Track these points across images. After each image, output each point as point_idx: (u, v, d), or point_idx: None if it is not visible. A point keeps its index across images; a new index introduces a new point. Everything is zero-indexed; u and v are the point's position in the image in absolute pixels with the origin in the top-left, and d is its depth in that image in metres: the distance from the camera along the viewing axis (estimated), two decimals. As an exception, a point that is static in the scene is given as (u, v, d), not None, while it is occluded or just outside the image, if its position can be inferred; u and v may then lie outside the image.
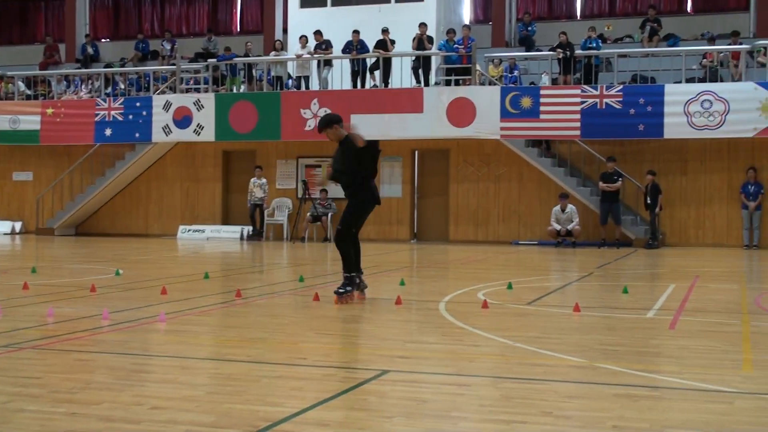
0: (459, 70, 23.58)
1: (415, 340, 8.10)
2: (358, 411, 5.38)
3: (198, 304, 10.42)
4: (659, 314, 9.85)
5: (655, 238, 21.78)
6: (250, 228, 24.60)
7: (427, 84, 23.78)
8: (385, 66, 24.02)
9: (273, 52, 25.57)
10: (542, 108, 22.37)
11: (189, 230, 25.46)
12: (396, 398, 5.72)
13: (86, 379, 6.19)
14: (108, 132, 25.42)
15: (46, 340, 7.75)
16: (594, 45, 23.57)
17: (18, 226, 27.15)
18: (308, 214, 23.99)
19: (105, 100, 25.64)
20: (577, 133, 22.38)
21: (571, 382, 6.22)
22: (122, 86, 27.04)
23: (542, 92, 22.64)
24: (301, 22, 26.61)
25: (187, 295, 11.19)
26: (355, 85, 24.30)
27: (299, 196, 24.72)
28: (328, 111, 23.37)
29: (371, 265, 16.67)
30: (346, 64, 24.58)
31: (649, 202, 21.96)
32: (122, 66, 29.07)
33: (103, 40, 33.06)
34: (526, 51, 26.14)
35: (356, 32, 24.14)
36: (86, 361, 6.98)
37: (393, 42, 24.05)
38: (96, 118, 25.53)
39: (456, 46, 23.57)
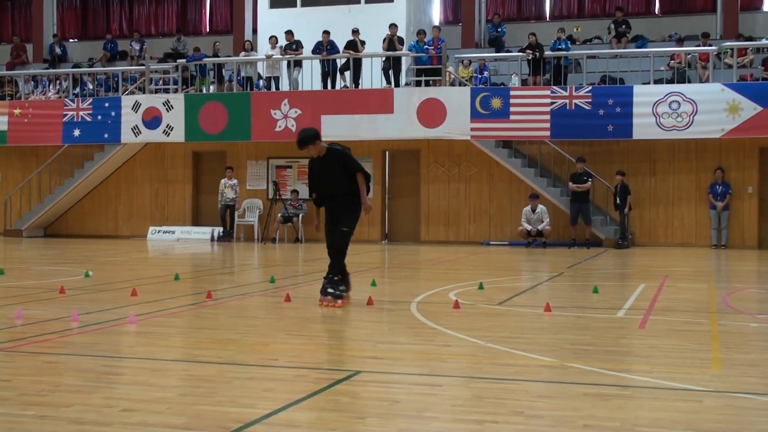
0: (429, 71, 23.62)
1: (386, 340, 8.10)
2: (330, 412, 5.38)
3: (168, 306, 10.37)
4: (629, 314, 9.92)
5: (625, 238, 21.93)
6: (221, 229, 24.50)
7: (397, 85, 23.80)
8: (356, 67, 24.02)
9: (243, 53, 25.48)
10: (512, 109, 22.46)
11: (159, 231, 25.32)
12: (368, 399, 5.73)
13: (56, 382, 6.14)
14: (76, 133, 25.22)
15: (15, 342, 7.68)
16: (563, 46, 23.69)
17: (-15, 227, 26.89)
18: (279, 215, 23.93)
19: (73, 101, 25.45)
20: (547, 133, 22.48)
21: (542, 382, 6.25)
22: (91, 87, 26.84)
23: (512, 93, 22.73)
24: (270, 22, 26.54)
25: (158, 297, 11.14)
26: (325, 86, 24.27)
27: (270, 197, 24.65)
28: (299, 111, 23.36)
29: (342, 265, 16.66)
30: (317, 64, 24.55)
31: (618, 202, 22.10)
32: (91, 66, 28.87)
33: (71, 40, 32.82)
34: (496, 52, 26.23)
35: (326, 33, 24.11)
36: (56, 363, 6.93)
37: (363, 43, 24.06)
38: (64, 119, 25.32)
39: (426, 47, 23.60)
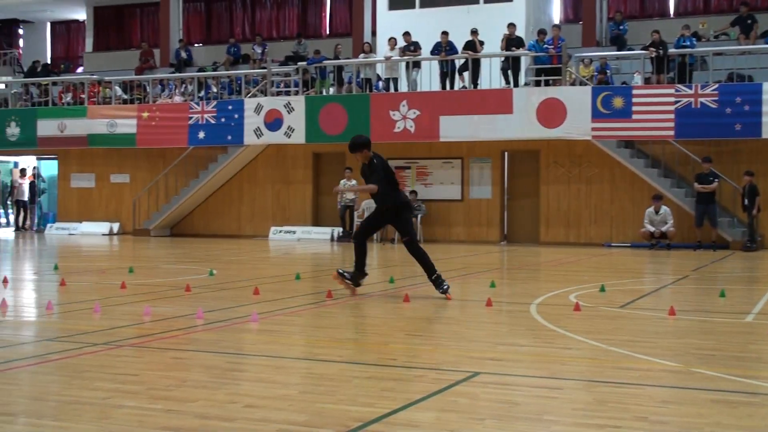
0: (549, 71, 23.35)
1: (506, 342, 8.05)
2: (448, 413, 5.37)
3: (289, 305, 10.53)
4: (758, 318, 9.60)
5: (753, 240, 21.22)
6: (341, 229, 24.76)
7: (516, 85, 23.61)
8: (474, 67, 23.93)
9: (362, 55, 25.70)
10: (635, 108, 22.00)
11: (280, 231, 25.77)
12: (487, 400, 5.69)
13: (182, 377, 6.31)
14: (201, 135, 25.87)
15: (143, 339, 7.92)
16: (688, 43, 23.08)
17: (115, 227, 27.83)
18: (397, 215, 24.00)
19: (198, 104, 26.11)
20: (671, 133, 21.94)
21: (666, 387, 6.11)
22: (215, 90, 27.49)
23: (635, 92, 22.26)
24: (389, 24, 26.68)
25: (279, 296, 11.33)
26: (444, 87, 24.26)
27: (388, 197, 24.75)
28: (417, 112, 23.40)
29: (461, 266, 16.63)
30: (435, 65, 24.56)
31: (746, 203, 21.39)
32: (215, 70, 29.55)
33: (196, 45, 33.66)
34: (618, 50, 25.73)
35: (445, 33, 24.10)
36: (182, 359, 7.12)
37: (482, 43, 23.95)
38: (189, 122, 26.01)
39: (546, 46, 23.34)
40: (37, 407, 5.49)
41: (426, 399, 5.68)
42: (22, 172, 29.90)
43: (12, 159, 30.54)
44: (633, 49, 25.16)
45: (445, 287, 11.03)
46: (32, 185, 29.95)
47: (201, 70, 29.86)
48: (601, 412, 5.40)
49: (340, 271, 11.40)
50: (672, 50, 22.97)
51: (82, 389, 5.86)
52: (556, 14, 29.20)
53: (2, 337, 8.27)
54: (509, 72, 23.69)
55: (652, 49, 22.83)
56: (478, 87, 23.85)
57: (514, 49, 23.64)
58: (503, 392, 5.92)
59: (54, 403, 5.56)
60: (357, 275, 11.44)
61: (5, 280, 12.76)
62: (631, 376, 6.44)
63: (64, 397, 5.68)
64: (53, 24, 37.77)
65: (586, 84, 22.98)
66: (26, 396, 5.83)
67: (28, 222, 30.04)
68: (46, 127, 27.68)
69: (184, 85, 28.26)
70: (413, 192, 24.26)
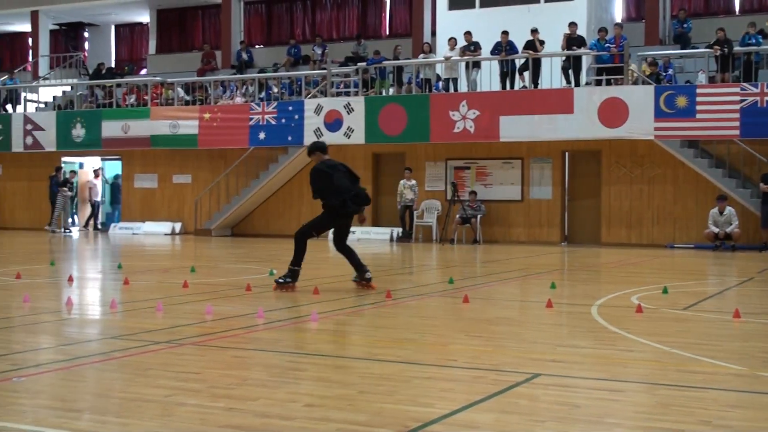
0: (610, 70, 23.11)
1: (566, 343, 7.98)
2: (509, 414, 5.33)
3: (349, 305, 10.57)
4: (826, 321, 9.39)
5: (821, 241, 20.77)
6: (400, 229, 24.78)
7: (577, 84, 23.41)
8: (535, 66, 23.77)
9: (422, 55, 25.69)
10: (699, 107, 21.67)
11: (339, 232, 25.81)
12: (548, 402, 5.65)
13: (243, 376, 6.36)
14: (262, 136, 26.07)
15: (205, 337, 8.00)
16: (753, 41, 22.67)
17: (177, 227, 28.19)
18: (457, 215, 23.99)
19: (259, 105, 26.32)
20: (736, 132, 21.57)
21: (731, 391, 6.00)
22: (276, 91, 27.69)
23: (699, 91, 21.93)
24: (449, 24, 26.62)
25: (339, 296, 11.36)
26: (504, 87, 24.15)
27: (448, 198, 24.74)
28: (477, 112, 23.30)
29: (520, 267, 16.54)
30: (495, 65, 24.46)
31: (813, 204, 20.94)
32: (275, 71, 29.77)
33: (257, 47, 33.94)
34: (681, 48, 25.37)
35: (505, 33, 23.98)
36: (242, 358, 7.18)
37: (542, 42, 23.78)
38: (250, 123, 26.24)
39: (608, 44, 23.10)
40: (101, 404, 5.57)
41: (486, 400, 5.65)
42: (95, 172, 30.42)
43: (77, 160, 31.07)
44: (697, 48, 24.80)
45: (368, 276, 11.87)
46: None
47: (262, 71, 30.12)
48: (664, 415, 5.32)
49: (278, 281, 11.80)
50: (737, 48, 22.59)
51: (144, 387, 5.94)
52: (618, 12, 28.87)
53: (68, 335, 8.43)
54: (570, 71, 23.50)
55: (716, 47, 22.47)
56: (539, 87, 23.69)
57: (575, 48, 23.44)
58: (564, 394, 5.87)
59: (117, 400, 5.64)
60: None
61: (70, 279, 12.99)
62: (695, 380, 6.34)
63: (128, 394, 5.76)
64: (117, 27, 38.37)
65: (648, 83, 22.69)
66: (91, 393, 5.92)
67: (99, 221, 30.58)
68: (111, 129, 28.13)
69: (245, 87, 28.51)
70: (473, 192, 24.17)
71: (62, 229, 28.85)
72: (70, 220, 30.22)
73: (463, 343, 7.97)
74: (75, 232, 29.28)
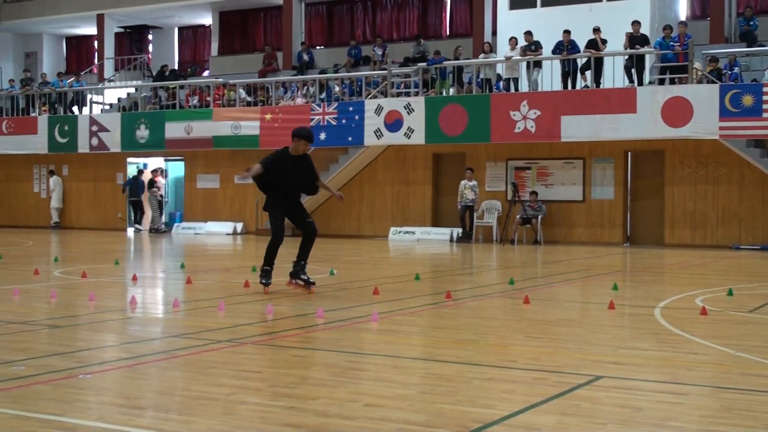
0: (674, 69, 22.78)
1: (628, 346, 7.89)
2: (570, 416, 5.29)
3: (409, 305, 10.56)
4: None
5: None
6: (460, 230, 24.72)
7: (640, 83, 23.12)
8: (597, 66, 23.53)
9: (482, 55, 25.59)
10: (765, 106, 21.25)
11: (400, 232, 25.88)
12: (609, 405, 5.59)
13: (303, 375, 6.40)
14: (322, 136, 26.18)
15: (266, 336, 8.07)
16: (823, 38, 22.18)
17: (239, 226, 28.45)
18: (518, 216, 23.86)
19: (319, 105, 26.45)
20: (804, 131, 21.12)
21: (799, 395, 5.88)
22: (337, 91, 27.80)
23: (765, 90, 21.51)
24: (510, 23, 26.47)
25: (399, 296, 11.37)
26: (565, 86, 23.95)
27: (509, 198, 24.61)
28: (538, 112, 23.14)
29: (582, 268, 16.40)
30: (556, 64, 24.26)
31: None
32: (336, 72, 29.89)
33: (317, 47, 34.10)
34: (748, 47, 24.91)
35: (567, 32, 23.77)
36: (303, 357, 7.23)
37: (605, 41, 23.53)
38: (311, 123, 26.35)
39: (672, 43, 22.78)
40: (164, 401, 5.65)
41: (547, 402, 5.61)
42: (163, 172, 30.83)
43: (141, 160, 31.51)
44: (764, 45, 24.34)
45: (308, 280, 11.50)
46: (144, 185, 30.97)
47: (322, 72, 30.26)
48: (728, 419, 5.23)
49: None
50: (806, 46, 22.12)
51: (206, 385, 6.00)
52: (683, 11, 28.45)
53: (132, 333, 8.56)
54: (633, 70, 23.22)
55: (784, 44, 22.03)
56: (601, 86, 23.45)
57: (638, 47, 23.14)
58: (626, 397, 5.80)
59: (180, 398, 5.72)
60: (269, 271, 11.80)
61: (134, 278, 13.19)
62: (761, 383, 6.22)
63: (190, 392, 5.83)
64: (181, 29, 38.84)
65: (714, 82, 22.32)
66: (154, 390, 6.00)
67: (162, 221, 30.99)
68: (174, 130, 28.49)
69: (305, 87, 28.67)
70: (534, 193, 24.01)
71: (161, 227, 29.13)
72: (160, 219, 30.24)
73: (524, 344, 7.93)
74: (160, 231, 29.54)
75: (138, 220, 30.08)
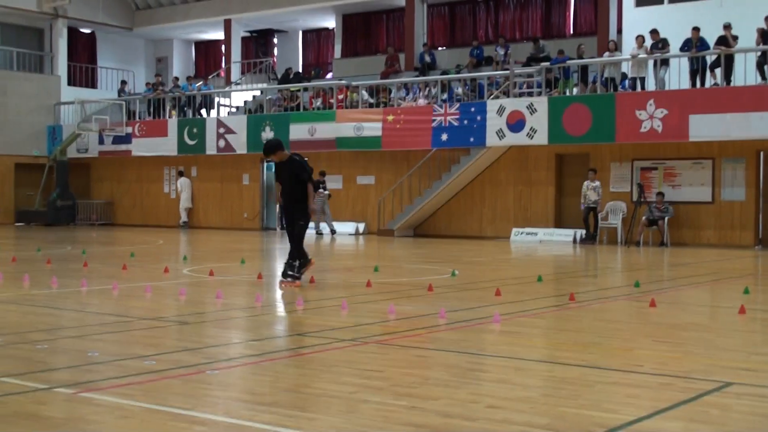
0: (811, 65, 21.91)
1: (761, 351, 7.63)
2: (698, 423, 5.15)
3: (531, 307, 10.47)
4: None
5: None
6: (584, 231, 24.35)
7: (774, 80, 22.32)
8: (727, 63, 22.82)
9: (607, 53, 25.14)
10: None
11: (522, 233, 25.67)
12: (740, 413, 5.41)
13: (425, 375, 6.41)
14: (444, 137, 26.18)
15: (388, 336, 8.12)
16: None
17: (361, 227, 28.70)
18: (644, 217, 23.34)
19: (441, 106, 26.45)
20: None
21: None
22: (459, 92, 27.75)
23: None
24: (636, 21, 25.92)
25: (521, 297, 11.28)
26: (694, 85, 23.32)
27: (634, 199, 24.09)
28: (665, 111, 22.58)
29: (711, 271, 15.94)
30: (684, 62, 23.64)
31: None
32: (458, 72, 29.84)
33: (439, 48, 34.11)
34: None
35: (696, 29, 23.14)
36: (424, 357, 7.24)
37: (735, 37, 22.80)
38: (433, 124, 26.39)
39: (808, 38, 21.92)
40: (289, 398, 5.74)
41: (674, 408, 5.48)
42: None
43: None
44: None
45: (293, 274, 12.27)
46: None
47: (444, 72, 30.25)
48: None
49: (290, 274, 12.32)
50: None
51: (330, 383, 6.08)
52: (820, 4, 27.32)
53: (257, 331, 8.73)
54: (765, 67, 22.43)
55: None
56: (731, 84, 22.74)
57: (771, 42, 22.36)
58: (759, 405, 5.61)
59: (303, 395, 5.80)
60: (304, 263, 12.57)
61: (260, 276, 13.45)
62: None
63: (314, 389, 5.91)
64: (305, 32, 39.43)
65: None
66: (279, 387, 6.11)
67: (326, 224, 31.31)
68: (298, 131, 28.94)
69: (427, 88, 28.72)
70: (660, 194, 23.44)
71: (328, 228, 28.16)
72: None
73: (650, 348, 7.75)
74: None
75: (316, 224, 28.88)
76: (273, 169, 13.17)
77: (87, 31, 39.39)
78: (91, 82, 39.25)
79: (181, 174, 32.78)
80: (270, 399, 5.73)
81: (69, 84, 37.25)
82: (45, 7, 35.81)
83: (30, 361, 6.80)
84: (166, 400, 5.54)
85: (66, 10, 36.32)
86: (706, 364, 6.95)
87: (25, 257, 17.56)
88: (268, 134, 29.49)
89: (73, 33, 38.38)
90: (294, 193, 12.57)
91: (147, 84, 36.44)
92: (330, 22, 37.50)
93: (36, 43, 37.23)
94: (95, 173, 35.88)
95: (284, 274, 12.42)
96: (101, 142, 33.58)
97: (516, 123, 24.80)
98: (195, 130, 31.32)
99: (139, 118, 34.04)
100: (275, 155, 12.50)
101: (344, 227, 28.61)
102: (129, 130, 32.79)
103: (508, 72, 26.42)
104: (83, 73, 39.00)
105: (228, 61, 37.40)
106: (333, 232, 27.81)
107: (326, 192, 27.94)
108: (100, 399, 5.59)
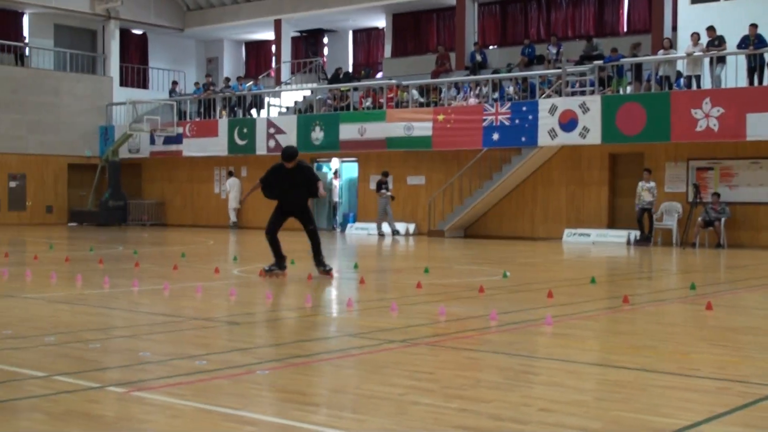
0: None
1: (822, 356, 7.43)
2: (757, 429, 5.01)
3: (584, 309, 10.33)
4: None
5: None
6: (638, 232, 24.03)
7: (835, 78, 21.86)
8: (786, 60, 22.41)
9: (661, 51, 24.80)
10: None
11: (574, 234, 25.41)
12: (802, 419, 5.26)
13: (476, 377, 6.33)
14: (495, 137, 26.02)
15: (438, 338, 8.05)
16: None
17: (411, 227, 28.63)
18: (699, 218, 22.97)
19: (492, 106, 26.29)
20: None
21: None
22: (511, 91, 27.57)
23: None
24: (691, 18, 25.54)
25: (573, 299, 11.13)
26: (751, 83, 22.91)
27: (690, 200, 23.72)
28: (721, 110, 22.20)
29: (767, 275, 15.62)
30: (742, 60, 23.23)
31: None
32: (509, 71, 29.65)
33: (490, 47, 33.93)
34: None
35: (753, 26, 22.74)
36: (476, 359, 7.16)
37: (794, 34, 22.38)
38: (483, 124, 26.24)
39: None
40: (338, 399, 5.70)
41: (732, 413, 5.34)
42: (335, 173, 31.38)
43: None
44: None
45: (327, 268, 13.34)
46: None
47: (495, 71, 30.07)
48: None
49: (265, 268, 13.36)
50: None
51: (379, 384, 6.02)
52: None
53: (307, 331, 8.72)
54: (825, 64, 21.99)
55: None
56: (791, 81, 22.30)
57: (830, 39, 21.90)
58: (820, 411, 5.45)
59: (353, 396, 5.76)
60: (279, 263, 13.37)
61: (309, 277, 13.46)
62: None
63: (363, 391, 5.87)
64: (355, 32, 39.47)
65: None
66: (328, 388, 6.08)
67: (337, 221, 31.49)
68: (348, 131, 28.97)
69: (478, 87, 28.57)
70: (716, 194, 23.06)
71: (390, 228, 27.45)
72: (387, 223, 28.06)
73: (707, 352, 7.59)
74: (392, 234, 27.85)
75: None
76: (273, 172, 13.50)
77: (139, 32, 39.88)
78: (142, 83, 39.70)
79: (230, 174, 32.99)
80: (319, 400, 5.69)
81: (121, 85, 37.73)
82: (98, 8, 36.32)
83: (82, 360, 6.85)
84: (216, 400, 5.54)
85: (118, 11, 36.81)
86: (765, 369, 6.78)
87: (78, 257, 17.78)
88: (318, 134, 29.58)
89: (125, 34, 38.87)
90: (303, 198, 13.23)
91: (197, 84, 36.72)
92: (380, 22, 37.49)
93: (89, 44, 37.76)
94: (146, 173, 36.26)
95: (321, 264, 13.39)
96: (152, 142, 33.95)
97: (568, 122, 24.57)
98: (245, 131, 31.50)
99: (190, 118, 34.34)
100: (293, 162, 13.00)
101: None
102: (180, 130, 33.09)
103: (560, 71, 26.19)
104: (135, 73, 39.46)
105: (278, 61, 37.57)
106: (395, 233, 27.55)
107: (388, 193, 27.78)
108: (151, 398, 5.59)
